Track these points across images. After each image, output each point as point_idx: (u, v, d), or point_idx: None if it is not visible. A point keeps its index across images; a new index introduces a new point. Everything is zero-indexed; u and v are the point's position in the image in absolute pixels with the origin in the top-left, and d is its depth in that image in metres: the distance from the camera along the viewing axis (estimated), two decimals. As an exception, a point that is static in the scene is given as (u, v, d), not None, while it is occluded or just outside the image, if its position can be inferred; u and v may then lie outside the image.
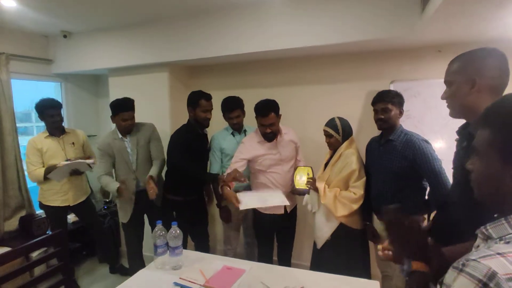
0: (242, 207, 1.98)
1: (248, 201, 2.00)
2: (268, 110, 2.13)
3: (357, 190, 1.98)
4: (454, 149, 1.27)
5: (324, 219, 2.07)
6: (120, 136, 2.53)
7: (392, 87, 2.42)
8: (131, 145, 2.54)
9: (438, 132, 2.31)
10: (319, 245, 2.12)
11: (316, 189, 2.05)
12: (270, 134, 2.19)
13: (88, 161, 2.67)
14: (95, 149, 2.63)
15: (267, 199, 2.04)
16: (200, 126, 2.47)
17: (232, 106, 2.41)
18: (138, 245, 2.73)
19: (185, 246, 2.56)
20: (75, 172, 2.68)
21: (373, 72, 2.59)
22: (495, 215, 0.68)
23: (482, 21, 1.76)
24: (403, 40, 2.20)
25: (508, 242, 0.61)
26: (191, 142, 2.40)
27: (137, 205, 2.57)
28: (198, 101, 2.38)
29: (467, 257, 0.59)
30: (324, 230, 2.07)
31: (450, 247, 0.97)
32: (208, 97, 2.41)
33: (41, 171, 2.56)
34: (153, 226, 2.31)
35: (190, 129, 2.46)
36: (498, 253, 0.57)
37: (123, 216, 2.62)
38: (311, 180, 2.10)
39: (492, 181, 0.68)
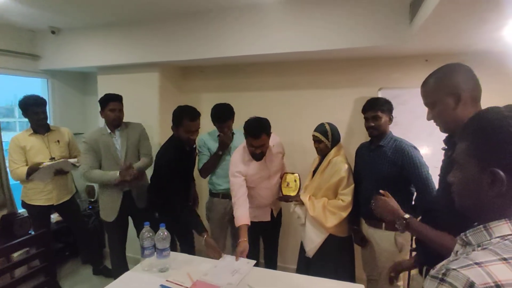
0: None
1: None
2: (259, 132, 1.99)
3: (346, 197, 2.01)
4: (439, 156, 1.31)
5: (314, 231, 2.07)
6: (108, 131, 2.49)
7: (380, 94, 2.48)
8: (121, 141, 2.51)
9: (424, 140, 2.37)
10: (310, 255, 2.10)
11: (301, 203, 2.07)
12: (259, 155, 2.08)
13: (72, 160, 2.62)
14: (81, 143, 2.56)
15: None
16: (190, 145, 2.34)
17: (224, 118, 2.36)
18: (122, 246, 2.68)
19: (174, 248, 2.55)
20: (60, 172, 2.62)
21: (362, 79, 2.64)
22: (475, 224, 0.71)
23: (467, 34, 1.83)
24: (392, 49, 2.26)
25: (484, 248, 0.63)
26: (177, 160, 2.20)
27: (123, 205, 2.53)
28: (181, 120, 2.15)
29: (447, 266, 0.61)
30: (316, 242, 2.06)
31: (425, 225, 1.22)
32: (193, 117, 2.15)
33: (23, 170, 2.50)
34: (138, 228, 2.27)
35: (177, 145, 2.26)
36: (476, 263, 0.59)
37: (108, 215, 2.54)
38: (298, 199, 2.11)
39: (472, 190, 0.71)
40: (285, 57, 2.61)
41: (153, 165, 2.49)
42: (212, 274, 1.63)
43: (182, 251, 2.47)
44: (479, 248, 0.64)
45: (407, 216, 1.27)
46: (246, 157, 2.14)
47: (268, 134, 2.06)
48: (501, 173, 0.64)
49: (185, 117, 2.15)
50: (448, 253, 0.78)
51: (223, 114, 2.36)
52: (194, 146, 2.42)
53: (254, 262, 1.79)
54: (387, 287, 1.98)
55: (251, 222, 2.19)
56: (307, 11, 2.25)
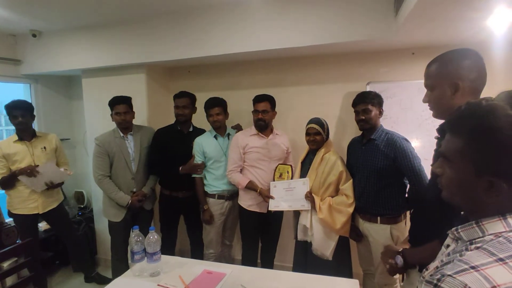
0: (271, 207, 2.20)
1: (277, 201, 2.20)
2: (263, 98, 2.34)
3: (348, 192, 2.03)
4: (428, 148, 1.30)
5: (323, 236, 2.05)
6: (121, 134, 2.50)
7: (368, 89, 2.48)
8: (134, 145, 2.52)
9: (413, 132, 2.39)
10: (330, 258, 2.06)
11: (313, 203, 2.05)
12: (261, 121, 2.31)
13: (61, 169, 2.60)
14: (93, 144, 2.55)
15: (292, 202, 2.15)
16: (182, 125, 2.57)
17: (213, 103, 2.46)
18: (125, 246, 2.62)
19: (173, 246, 2.67)
20: (53, 186, 2.58)
21: (350, 73, 2.64)
22: (462, 213, 0.69)
23: (453, 23, 1.83)
24: (378, 43, 2.26)
25: (478, 248, 0.61)
26: (165, 139, 2.55)
27: (131, 206, 2.50)
28: (173, 99, 2.56)
29: (442, 272, 0.59)
30: (332, 245, 2.04)
31: (413, 249, 1.24)
32: (180, 94, 2.54)
33: None
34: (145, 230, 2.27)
35: (171, 127, 2.60)
36: (472, 267, 0.57)
37: (115, 215, 2.52)
38: (309, 194, 2.08)
39: (464, 190, 0.68)
40: (272, 54, 2.59)
41: None
42: (279, 198, 2.17)
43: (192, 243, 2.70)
44: (472, 246, 0.62)
45: (400, 249, 1.27)
46: (249, 132, 2.41)
47: (271, 103, 2.36)
48: (502, 183, 0.60)
49: (174, 96, 2.57)
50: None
51: (212, 100, 2.49)
52: (189, 130, 2.62)
53: (307, 180, 2.10)
54: (384, 280, 1.99)
55: (248, 211, 2.36)
56: (292, 7, 2.24)
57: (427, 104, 1.22)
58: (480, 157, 0.63)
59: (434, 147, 1.27)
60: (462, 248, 0.65)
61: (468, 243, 0.64)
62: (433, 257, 1.04)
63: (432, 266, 0.69)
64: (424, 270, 0.69)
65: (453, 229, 0.70)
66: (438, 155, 1.19)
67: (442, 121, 1.24)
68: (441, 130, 1.22)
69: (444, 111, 1.15)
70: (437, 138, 1.27)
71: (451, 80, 1.09)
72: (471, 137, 0.65)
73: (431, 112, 1.21)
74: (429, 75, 1.17)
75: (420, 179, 1.78)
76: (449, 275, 0.57)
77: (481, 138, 0.63)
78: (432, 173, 1.27)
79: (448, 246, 0.71)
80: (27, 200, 2.56)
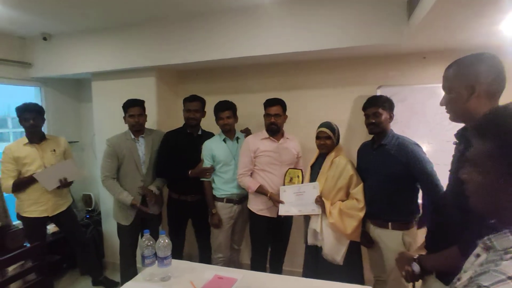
0: (281, 212, 2.19)
1: (287, 206, 2.19)
2: (275, 101, 2.33)
3: (359, 196, 2.00)
4: (440, 153, 1.28)
5: (334, 241, 2.03)
6: (132, 137, 2.51)
7: (379, 92, 2.46)
8: (145, 148, 2.53)
9: (424, 137, 2.36)
10: (341, 262, 2.04)
11: (323, 207, 2.03)
12: (273, 124, 2.30)
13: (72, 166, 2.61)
14: (101, 147, 2.59)
15: (302, 206, 2.12)
16: (192, 129, 2.56)
17: (223, 107, 2.45)
18: (133, 250, 2.63)
19: (181, 249, 2.63)
20: (64, 185, 2.57)
21: (360, 77, 2.62)
22: (491, 221, 0.67)
23: (464, 29, 1.82)
24: (389, 47, 2.24)
25: None
26: (174, 142, 2.54)
27: (140, 209, 2.49)
28: (184, 102, 2.56)
29: (478, 283, 0.57)
30: (342, 250, 2.02)
31: (429, 255, 1.20)
32: (191, 98, 2.54)
33: (9, 184, 2.46)
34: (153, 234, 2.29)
35: (180, 130, 2.61)
36: (509, 277, 0.55)
37: (124, 218, 2.52)
38: (319, 199, 2.06)
39: (492, 195, 0.67)
40: (282, 58, 2.59)
41: None
42: (289, 203, 2.16)
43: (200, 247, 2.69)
44: (508, 256, 0.60)
45: (415, 255, 1.25)
46: (260, 136, 2.39)
47: (283, 107, 2.35)
48: None
49: (185, 99, 2.56)
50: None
51: (222, 104, 2.47)
52: (199, 134, 2.61)
53: (317, 183, 2.07)
54: (396, 288, 1.95)
55: (258, 215, 2.35)
56: (304, 11, 2.23)
57: (439, 108, 1.22)
58: (509, 161, 0.62)
59: (446, 152, 1.26)
60: (496, 258, 0.62)
61: (502, 252, 0.62)
62: (451, 264, 1.01)
63: (464, 276, 0.66)
64: (455, 280, 0.67)
65: (484, 238, 0.67)
66: (460, 161, 1.18)
67: (458, 127, 1.23)
68: (459, 135, 1.21)
69: (460, 114, 1.15)
70: (455, 143, 1.25)
71: (467, 83, 1.08)
72: (502, 140, 0.64)
73: (445, 116, 1.21)
74: (446, 78, 1.17)
75: (434, 184, 1.76)
76: (486, 286, 0.55)
77: (510, 143, 0.62)
78: (450, 179, 1.25)
79: (478, 255, 0.69)
80: (37, 203, 2.56)
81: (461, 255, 0.93)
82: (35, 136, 2.59)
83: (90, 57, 2.95)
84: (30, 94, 3.41)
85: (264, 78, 2.92)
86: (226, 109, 2.44)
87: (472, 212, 0.94)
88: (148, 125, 2.72)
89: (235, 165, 2.45)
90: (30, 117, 2.51)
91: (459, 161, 1.16)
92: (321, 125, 2.12)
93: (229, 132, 2.50)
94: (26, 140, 2.55)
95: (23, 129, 2.59)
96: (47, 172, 2.49)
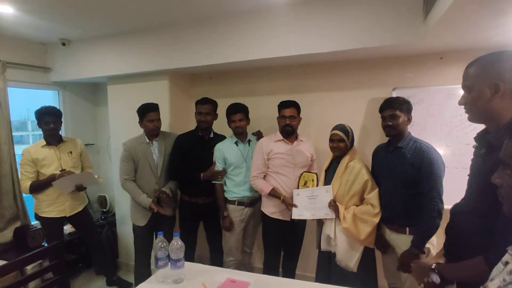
0: (294, 216, 2.16)
1: (300, 210, 2.16)
2: (290, 103, 2.33)
3: (374, 201, 1.96)
4: (458, 157, 1.24)
5: (347, 247, 1.99)
6: (147, 140, 2.55)
7: (394, 94, 2.40)
8: (158, 150, 2.56)
9: (442, 139, 2.29)
10: (355, 269, 1.99)
11: (337, 211, 1.99)
12: (288, 126, 2.29)
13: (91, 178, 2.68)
14: (116, 149, 2.64)
15: (315, 210, 2.10)
16: (204, 131, 2.57)
17: (236, 109, 2.45)
18: (148, 251, 2.66)
19: (192, 252, 2.65)
20: (79, 188, 2.63)
21: (375, 79, 2.58)
22: None
23: (483, 28, 1.75)
24: (405, 48, 2.19)
25: None
26: (186, 145, 2.55)
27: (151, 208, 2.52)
28: (195, 105, 2.56)
29: None
30: (356, 256, 1.97)
31: (450, 265, 1.16)
32: (202, 101, 2.54)
33: (27, 185, 2.53)
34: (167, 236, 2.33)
35: (192, 133, 2.62)
36: None
37: (140, 219, 2.56)
38: (332, 203, 2.03)
39: None
40: (294, 60, 2.57)
41: None
42: (302, 206, 2.14)
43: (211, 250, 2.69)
44: None
45: (433, 265, 1.19)
46: (273, 138, 2.39)
47: (298, 109, 2.35)
48: None
49: (197, 101, 2.57)
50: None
51: (234, 106, 2.49)
52: (210, 136, 2.62)
53: (330, 187, 2.05)
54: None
55: (271, 218, 2.34)
56: (316, 13, 2.21)
57: (458, 110, 1.17)
58: None
59: (467, 155, 1.21)
60: None
61: None
62: (475, 275, 0.97)
63: (492, 285, 0.63)
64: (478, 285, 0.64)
65: None
66: (477, 164, 1.13)
67: (478, 129, 1.18)
68: (480, 138, 1.16)
69: (480, 114, 1.10)
70: (474, 147, 1.20)
71: (491, 81, 1.04)
72: None
73: (464, 118, 1.17)
74: (467, 76, 1.12)
75: (429, 198, 1.73)
76: None
77: None
78: (470, 184, 1.20)
79: (507, 263, 0.65)
80: (55, 203, 2.63)
81: (487, 266, 0.88)
82: (53, 138, 2.66)
83: (106, 61, 3.02)
84: (48, 98, 3.52)
85: (276, 80, 2.91)
86: (238, 111, 2.44)
87: (497, 219, 0.90)
88: (161, 128, 2.75)
89: (246, 167, 2.44)
90: (51, 120, 2.58)
91: (478, 165, 1.11)
92: (335, 128, 2.09)
93: (241, 135, 2.50)
94: (44, 142, 2.63)
95: (41, 132, 2.67)
96: (66, 180, 2.54)
